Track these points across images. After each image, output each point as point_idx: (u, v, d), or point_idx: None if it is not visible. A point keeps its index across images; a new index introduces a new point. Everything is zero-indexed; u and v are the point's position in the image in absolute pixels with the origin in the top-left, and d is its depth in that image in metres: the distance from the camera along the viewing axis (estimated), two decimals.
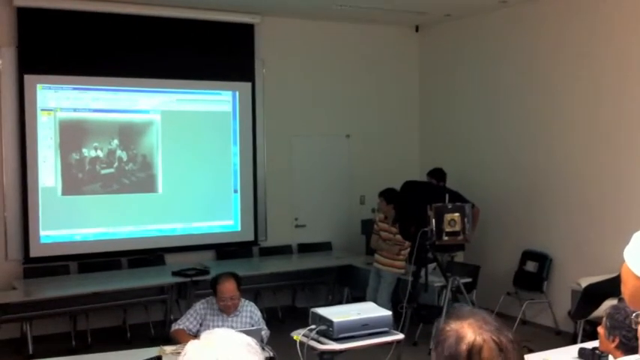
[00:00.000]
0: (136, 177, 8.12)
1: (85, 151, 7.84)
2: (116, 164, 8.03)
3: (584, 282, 6.47)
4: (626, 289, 1.69)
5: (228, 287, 4.97)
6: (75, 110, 7.70)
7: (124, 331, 7.55)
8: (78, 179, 7.80)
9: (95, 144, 7.90)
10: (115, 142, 8.01)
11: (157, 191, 8.18)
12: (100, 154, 7.93)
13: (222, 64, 8.37)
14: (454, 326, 1.53)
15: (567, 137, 7.52)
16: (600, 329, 3.48)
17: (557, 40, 7.60)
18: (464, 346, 1.48)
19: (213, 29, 8.31)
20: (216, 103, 8.48)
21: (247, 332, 1.63)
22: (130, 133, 8.09)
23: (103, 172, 7.96)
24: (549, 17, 7.70)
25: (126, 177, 8.08)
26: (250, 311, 5.11)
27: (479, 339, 1.49)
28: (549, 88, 7.70)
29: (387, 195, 7.32)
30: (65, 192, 7.72)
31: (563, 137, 7.56)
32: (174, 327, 4.92)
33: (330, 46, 9.08)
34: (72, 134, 7.75)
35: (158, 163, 8.16)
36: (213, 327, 4.71)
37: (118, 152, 8.04)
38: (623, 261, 1.74)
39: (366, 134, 9.30)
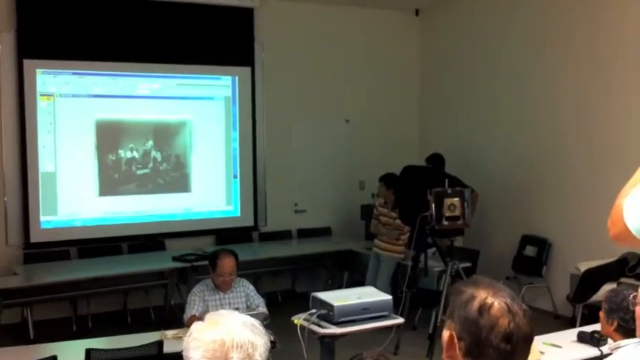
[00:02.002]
0: (166, 173, 8.17)
1: (121, 152, 7.98)
2: (151, 164, 8.16)
3: (583, 266, 6.49)
4: (614, 228, 1.73)
5: (228, 263, 5.08)
6: (74, 96, 7.67)
7: (124, 316, 7.59)
8: (114, 179, 7.98)
9: (131, 145, 8.04)
10: (150, 143, 8.17)
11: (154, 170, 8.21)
12: (136, 154, 8.06)
13: (222, 48, 8.35)
14: (470, 289, 1.58)
15: (569, 122, 7.52)
16: (601, 313, 3.51)
17: (559, 23, 7.58)
18: (475, 303, 1.53)
19: (213, 13, 8.27)
20: (215, 87, 8.47)
21: (251, 315, 1.64)
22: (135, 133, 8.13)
23: (139, 172, 8.09)
24: (551, 0, 7.68)
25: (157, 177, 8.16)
26: (244, 286, 5.26)
27: (490, 299, 1.53)
28: (550, 72, 7.68)
29: (387, 180, 7.33)
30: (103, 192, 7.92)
31: (564, 121, 7.56)
32: (187, 317, 4.97)
33: (329, 31, 9.06)
34: (108, 135, 7.94)
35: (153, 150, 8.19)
36: (213, 305, 4.82)
37: (154, 153, 8.09)
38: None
39: (365, 119, 9.29)
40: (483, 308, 1.52)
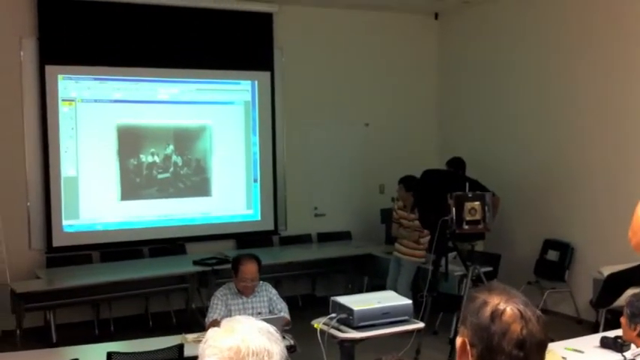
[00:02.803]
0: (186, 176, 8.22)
1: (142, 156, 8.05)
2: (172, 169, 8.19)
3: (606, 271, 6.42)
4: (635, 238, 1.72)
5: (250, 268, 5.08)
6: (96, 101, 7.74)
7: (146, 320, 7.63)
8: (135, 183, 8.04)
9: (152, 149, 8.11)
10: (171, 147, 8.17)
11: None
12: (157, 159, 8.13)
13: (242, 53, 8.38)
14: (483, 295, 1.56)
15: (590, 124, 7.45)
16: (622, 319, 3.46)
17: (578, 26, 7.52)
18: (488, 310, 1.51)
19: (232, 19, 8.31)
20: (235, 92, 8.49)
21: (268, 320, 1.64)
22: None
23: (159, 176, 8.16)
24: (570, 3, 7.61)
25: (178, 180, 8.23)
26: (267, 290, 5.25)
27: (503, 305, 1.52)
28: (570, 74, 7.62)
29: (407, 182, 7.31)
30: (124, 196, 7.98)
31: (586, 124, 7.49)
32: (209, 321, 4.97)
33: (348, 35, 9.05)
34: (130, 140, 8.01)
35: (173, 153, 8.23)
36: (235, 309, 4.82)
37: (174, 157, 8.16)
38: None
39: (385, 123, 9.27)
40: (495, 314, 1.50)
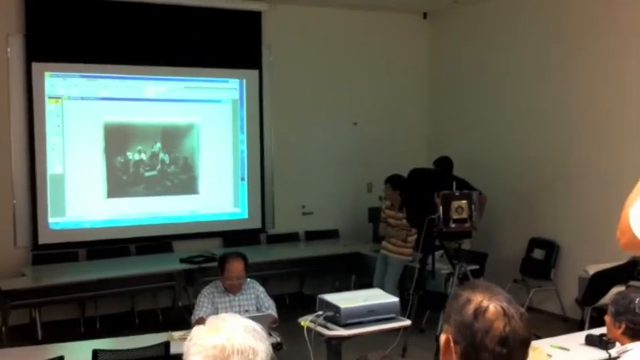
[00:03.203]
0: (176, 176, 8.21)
1: (129, 154, 8.01)
2: (159, 167, 8.14)
3: (592, 269, 6.46)
4: (624, 237, 1.73)
5: (237, 267, 5.07)
6: (82, 98, 7.70)
7: (132, 318, 7.60)
8: (122, 181, 8.00)
9: (139, 147, 8.06)
10: (158, 145, 8.16)
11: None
12: (144, 157, 8.09)
13: (230, 51, 8.36)
14: (466, 293, 1.57)
15: (575, 125, 7.49)
16: (607, 317, 3.49)
17: (569, 25, 7.56)
18: (471, 307, 1.52)
19: (221, 17, 8.29)
20: (223, 90, 8.48)
21: (255, 318, 1.64)
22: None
23: (146, 174, 8.10)
24: (559, 2, 7.65)
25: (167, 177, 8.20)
26: (254, 288, 5.25)
27: (486, 302, 1.53)
28: (559, 76, 7.66)
29: (393, 181, 7.33)
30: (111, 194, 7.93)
31: (571, 125, 7.53)
32: (195, 318, 4.96)
33: (337, 34, 9.05)
34: (117, 138, 7.97)
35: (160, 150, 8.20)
36: (222, 307, 4.81)
37: (162, 155, 8.13)
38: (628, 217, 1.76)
39: (373, 122, 9.28)
40: (478, 312, 1.51)
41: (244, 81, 8.51)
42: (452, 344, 1.53)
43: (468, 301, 1.54)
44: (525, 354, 1.53)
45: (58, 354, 4.35)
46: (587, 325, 6.37)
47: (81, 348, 4.87)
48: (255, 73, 8.55)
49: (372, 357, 2.64)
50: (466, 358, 1.52)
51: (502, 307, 1.52)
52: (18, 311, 6.78)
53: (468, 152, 8.63)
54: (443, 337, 1.56)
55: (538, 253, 7.80)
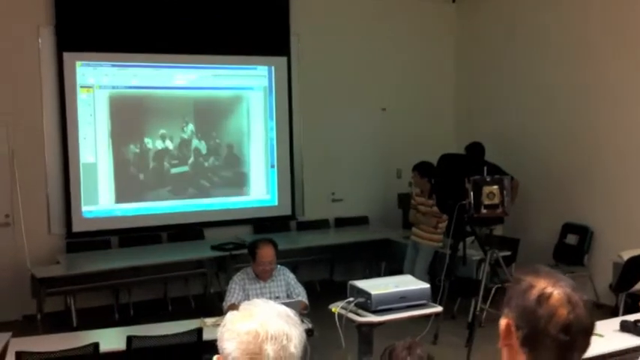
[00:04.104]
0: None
1: (147, 140, 7.76)
2: (191, 159, 7.94)
3: (626, 255, 6.38)
4: None
5: (268, 252, 5.10)
6: (113, 87, 7.75)
7: (165, 304, 7.69)
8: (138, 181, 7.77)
9: (162, 131, 7.73)
10: (190, 127, 7.88)
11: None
12: (170, 144, 7.84)
13: (258, 39, 8.35)
14: (529, 278, 1.55)
15: (610, 108, 7.37)
16: None
17: (603, 6, 7.42)
18: (535, 293, 1.50)
19: (249, 4, 8.29)
20: (252, 78, 8.48)
21: (286, 304, 1.64)
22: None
23: (174, 170, 7.84)
24: None
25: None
26: (284, 275, 5.28)
27: (550, 288, 1.51)
28: (592, 58, 7.53)
29: (421, 168, 7.29)
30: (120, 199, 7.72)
31: (606, 106, 7.41)
32: (227, 305, 5.01)
33: (365, 19, 9.00)
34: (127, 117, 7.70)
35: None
36: (253, 294, 4.84)
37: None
38: None
39: (402, 107, 9.23)
40: (542, 297, 1.49)
41: (273, 68, 8.50)
42: (513, 329, 1.52)
43: (531, 286, 1.52)
44: (587, 342, 1.51)
45: (93, 340, 4.42)
46: (621, 311, 6.30)
47: (115, 334, 4.95)
48: (283, 60, 8.53)
49: (399, 345, 2.65)
50: (527, 343, 1.50)
51: (566, 294, 1.50)
52: (53, 298, 6.88)
53: (497, 137, 8.53)
54: (503, 322, 1.54)
55: (571, 239, 7.71)
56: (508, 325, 1.54)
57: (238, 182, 8.23)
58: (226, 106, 8.11)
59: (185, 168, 7.95)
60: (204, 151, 8.01)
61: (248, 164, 8.22)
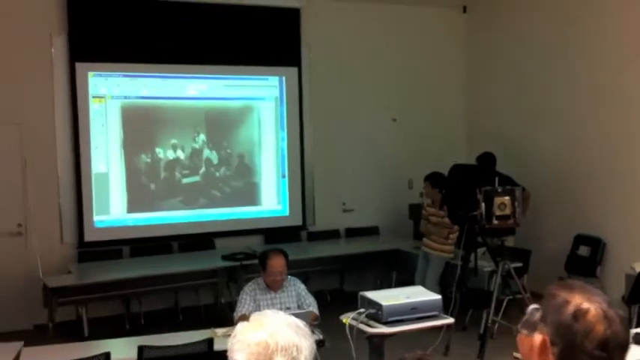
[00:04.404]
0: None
1: (159, 150, 7.80)
2: (202, 169, 7.95)
3: (639, 266, 6.33)
4: None
5: (278, 262, 5.09)
6: (125, 98, 7.79)
7: (175, 314, 7.69)
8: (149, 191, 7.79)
9: (174, 141, 7.77)
10: (202, 137, 7.90)
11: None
12: (181, 154, 7.87)
13: (269, 49, 8.38)
14: (563, 293, 1.54)
15: (623, 118, 7.33)
16: None
17: (614, 16, 7.40)
18: (571, 308, 1.50)
19: (260, 14, 8.32)
20: (263, 88, 8.50)
21: (297, 315, 1.63)
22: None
23: (185, 180, 7.84)
24: None
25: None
26: (295, 285, 5.27)
27: (586, 304, 1.50)
28: (603, 67, 7.50)
29: (433, 179, 7.27)
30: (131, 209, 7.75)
31: (618, 117, 7.37)
32: (237, 315, 5.00)
33: (376, 29, 9.01)
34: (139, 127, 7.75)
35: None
36: (264, 305, 4.83)
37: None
38: None
39: (413, 117, 9.22)
40: (579, 313, 1.48)
41: (284, 78, 8.52)
42: (549, 345, 1.51)
43: (567, 302, 1.51)
44: (623, 358, 1.50)
45: (104, 350, 4.42)
46: (634, 324, 6.24)
47: (126, 344, 4.94)
48: (294, 70, 8.56)
49: (408, 357, 2.63)
50: (564, 359, 1.49)
51: (602, 310, 1.49)
52: (64, 308, 6.90)
53: (509, 147, 8.51)
54: (538, 338, 1.53)
55: (584, 250, 7.66)
56: (544, 341, 1.53)
57: (249, 192, 8.23)
58: (237, 116, 8.14)
59: (196, 178, 7.97)
60: (215, 161, 8.04)
61: (259, 174, 8.23)
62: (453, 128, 9.51)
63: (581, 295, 1.52)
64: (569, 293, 1.53)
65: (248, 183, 8.18)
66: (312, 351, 1.54)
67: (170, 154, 7.89)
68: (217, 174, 8.07)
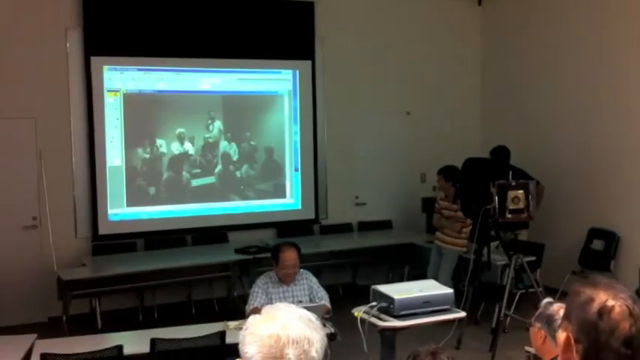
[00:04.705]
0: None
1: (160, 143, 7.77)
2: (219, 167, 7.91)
3: None
4: None
5: (291, 255, 5.11)
6: (140, 91, 7.81)
7: (189, 307, 7.72)
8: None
9: (180, 130, 7.65)
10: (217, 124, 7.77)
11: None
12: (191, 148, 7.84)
13: (282, 43, 8.38)
14: (588, 290, 1.53)
15: (636, 112, 7.28)
16: None
17: (628, 10, 7.34)
18: (595, 306, 1.49)
19: (274, 8, 8.32)
20: (276, 82, 8.49)
21: (309, 308, 1.64)
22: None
23: (195, 182, 7.77)
24: None
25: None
26: (307, 279, 5.28)
27: (611, 301, 1.49)
28: (620, 59, 7.45)
29: (446, 172, 7.25)
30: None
31: (633, 110, 7.32)
32: (249, 309, 5.01)
33: (390, 23, 8.99)
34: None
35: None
36: (276, 298, 4.85)
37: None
38: None
39: (426, 111, 9.19)
40: (603, 311, 1.48)
41: (297, 72, 8.52)
42: (573, 342, 1.50)
43: (591, 299, 1.50)
44: None
45: (117, 343, 4.45)
46: None
47: (139, 337, 4.98)
48: (308, 64, 8.55)
49: (422, 351, 2.63)
50: (588, 357, 1.49)
51: (628, 307, 1.48)
52: (78, 301, 6.95)
53: (523, 140, 8.47)
54: (563, 335, 1.53)
55: (597, 244, 7.62)
56: (568, 339, 1.52)
57: (277, 193, 8.25)
58: (261, 105, 7.98)
59: (211, 179, 7.92)
60: (235, 157, 7.96)
61: (285, 173, 8.14)
62: (467, 122, 9.47)
63: (605, 292, 1.51)
64: (594, 290, 1.52)
65: (278, 185, 8.15)
66: (323, 344, 1.55)
67: (176, 148, 7.82)
68: (238, 173, 8.02)
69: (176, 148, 7.77)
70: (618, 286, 1.54)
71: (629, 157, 7.36)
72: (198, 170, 7.79)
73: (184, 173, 7.73)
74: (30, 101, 7.36)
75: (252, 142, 7.77)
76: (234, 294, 7.50)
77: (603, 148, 7.66)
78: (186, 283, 7.63)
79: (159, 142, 7.77)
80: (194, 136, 7.86)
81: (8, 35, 7.28)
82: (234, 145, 7.83)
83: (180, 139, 7.67)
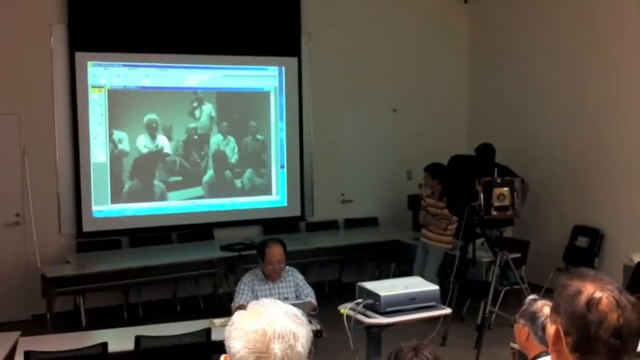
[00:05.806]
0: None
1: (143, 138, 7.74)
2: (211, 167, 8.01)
3: (637, 257, 6.34)
4: None
5: (276, 251, 5.10)
6: (125, 87, 7.77)
7: (174, 304, 7.70)
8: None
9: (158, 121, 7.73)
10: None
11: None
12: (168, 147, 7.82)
13: (269, 39, 8.36)
14: (575, 283, 1.55)
15: (621, 108, 7.32)
16: None
17: (610, 9, 7.38)
18: (583, 298, 1.51)
19: (260, 4, 8.30)
20: (262, 78, 8.47)
21: (295, 305, 1.63)
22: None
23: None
24: None
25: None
26: (293, 275, 5.27)
27: (598, 293, 1.51)
28: (602, 59, 7.49)
29: (433, 170, 7.27)
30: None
31: (617, 109, 7.37)
32: (235, 305, 4.99)
33: (376, 19, 8.99)
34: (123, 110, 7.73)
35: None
36: (262, 295, 4.84)
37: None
38: None
39: (413, 108, 9.21)
40: (591, 303, 1.50)
41: (283, 68, 8.50)
42: (562, 334, 1.52)
43: (579, 291, 1.52)
44: (637, 343, 1.52)
45: (102, 340, 4.43)
46: None
47: (124, 334, 4.95)
48: (294, 60, 8.53)
49: (405, 347, 2.64)
50: (578, 349, 1.50)
51: (615, 298, 1.50)
52: (62, 298, 6.92)
53: (508, 138, 8.50)
54: (552, 328, 1.55)
55: (582, 241, 7.66)
56: (557, 331, 1.54)
57: (265, 189, 8.26)
58: (246, 101, 8.03)
59: (210, 173, 7.95)
60: (232, 159, 8.05)
61: (273, 166, 8.17)
62: (453, 119, 9.50)
63: (593, 284, 1.53)
64: (581, 282, 1.54)
65: (266, 181, 8.19)
66: (308, 339, 1.55)
67: (149, 144, 7.87)
68: (239, 182, 8.20)
69: (144, 144, 7.77)
70: (605, 278, 1.56)
71: (613, 155, 7.41)
72: (179, 178, 7.82)
73: (156, 182, 7.75)
74: (14, 97, 7.29)
75: (259, 137, 7.82)
76: (219, 291, 7.48)
77: (588, 146, 7.70)
78: (171, 280, 7.60)
79: (138, 138, 7.74)
80: (171, 125, 7.87)
81: None
82: (231, 139, 7.84)
83: (151, 131, 7.70)
